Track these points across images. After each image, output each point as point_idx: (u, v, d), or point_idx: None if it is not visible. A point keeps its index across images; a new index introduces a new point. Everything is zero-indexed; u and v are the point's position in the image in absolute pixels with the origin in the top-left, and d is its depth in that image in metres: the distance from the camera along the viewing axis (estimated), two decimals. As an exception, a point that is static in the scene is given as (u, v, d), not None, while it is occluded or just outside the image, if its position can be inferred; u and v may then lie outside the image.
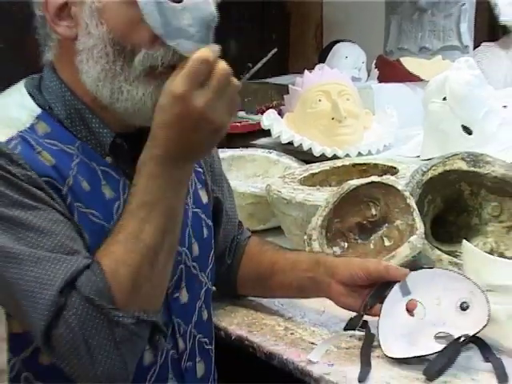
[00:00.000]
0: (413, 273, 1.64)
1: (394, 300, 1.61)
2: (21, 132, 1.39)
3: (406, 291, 1.61)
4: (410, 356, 1.53)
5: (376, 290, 1.64)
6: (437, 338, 1.55)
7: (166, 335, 1.44)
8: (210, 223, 1.74)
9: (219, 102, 1.30)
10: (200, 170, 1.72)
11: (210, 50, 1.32)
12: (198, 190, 1.70)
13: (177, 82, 1.29)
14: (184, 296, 1.60)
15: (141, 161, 1.35)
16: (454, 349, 1.52)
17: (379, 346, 1.57)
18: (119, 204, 1.47)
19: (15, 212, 1.31)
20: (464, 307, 1.57)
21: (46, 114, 1.46)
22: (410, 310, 1.59)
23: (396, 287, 1.62)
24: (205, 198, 1.72)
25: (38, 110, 1.46)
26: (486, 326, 1.53)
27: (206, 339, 1.67)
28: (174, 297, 1.57)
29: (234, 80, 1.35)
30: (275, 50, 3.94)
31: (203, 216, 1.70)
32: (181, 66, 1.30)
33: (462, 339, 1.52)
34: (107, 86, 1.41)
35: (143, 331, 1.34)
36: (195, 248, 1.64)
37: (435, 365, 1.49)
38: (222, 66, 1.32)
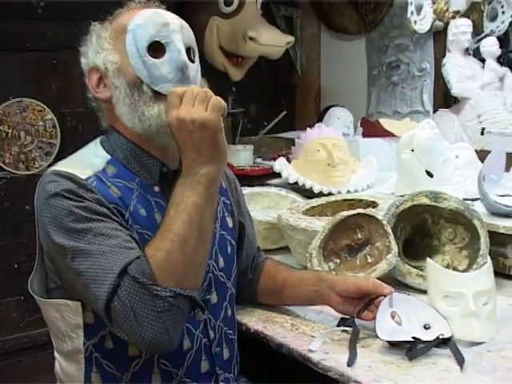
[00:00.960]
0: (396, 293, 1.65)
1: (384, 307, 1.61)
2: (96, 173, 1.45)
3: (390, 304, 1.62)
4: (398, 340, 1.54)
5: (366, 302, 1.65)
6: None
7: (204, 309, 1.42)
8: (234, 243, 1.74)
9: (193, 106, 1.37)
10: (228, 202, 1.75)
11: (179, 87, 1.43)
12: (226, 217, 1.71)
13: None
14: (214, 298, 1.61)
15: None
16: (434, 342, 1.53)
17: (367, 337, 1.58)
18: None
19: (85, 224, 1.35)
20: (426, 327, 1.57)
21: (113, 159, 1.52)
22: (392, 317, 1.58)
23: (386, 299, 1.62)
24: (230, 224, 1.73)
25: (108, 157, 1.52)
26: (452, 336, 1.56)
27: (230, 331, 1.67)
28: (206, 298, 1.58)
29: (202, 89, 1.41)
30: (284, 112, 3.99)
31: (228, 237, 1.70)
32: None
33: (444, 337, 1.54)
34: (135, 115, 1.49)
35: (182, 304, 1.34)
36: (221, 261, 1.65)
37: (418, 351, 1.51)
38: (190, 88, 1.41)
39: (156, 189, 1.53)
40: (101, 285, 1.30)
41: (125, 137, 1.54)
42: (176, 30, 1.52)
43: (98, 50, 1.52)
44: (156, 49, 1.49)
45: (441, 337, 1.54)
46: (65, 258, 1.36)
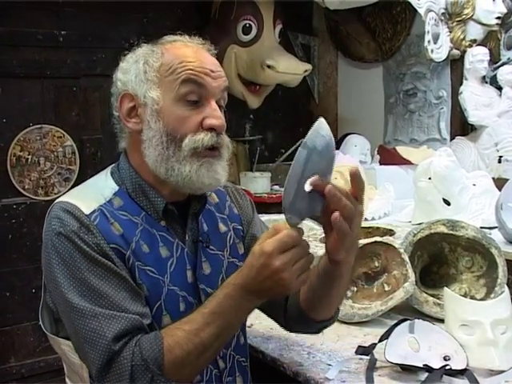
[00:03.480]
0: (420, 320, 1.65)
1: (401, 331, 1.61)
2: (101, 206, 1.43)
3: (411, 330, 1.61)
4: (405, 363, 1.54)
5: (388, 330, 1.64)
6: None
7: None
8: None
9: (293, 267, 1.26)
10: (240, 227, 1.69)
11: (299, 231, 1.28)
12: (236, 244, 1.66)
13: (269, 242, 1.26)
14: None
15: (227, 281, 1.34)
16: (441, 372, 1.52)
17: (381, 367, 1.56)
18: (172, 261, 1.47)
19: (83, 274, 1.34)
20: (446, 359, 1.57)
21: (121, 191, 1.49)
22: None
23: (406, 323, 1.62)
24: (241, 250, 1.67)
25: (116, 188, 1.49)
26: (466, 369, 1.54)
27: (243, 359, 1.62)
28: None
29: (310, 255, 1.30)
30: (302, 140, 3.95)
31: (240, 264, 1.62)
32: (277, 229, 1.28)
33: (451, 368, 1.54)
34: (163, 165, 1.44)
35: None
36: None
37: (427, 379, 1.50)
38: (304, 243, 1.28)
39: (162, 223, 1.49)
40: (94, 348, 1.31)
41: (135, 170, 1.51)
42: None
43: (142, 79, 1.47)
44: None
45: (453, 367, 1.53)
46: (62, 300, 1.37)
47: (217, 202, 1.66)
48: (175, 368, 1.30)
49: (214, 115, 1.45)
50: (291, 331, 1.71)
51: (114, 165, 1.57)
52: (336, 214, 1.29)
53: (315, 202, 1.30)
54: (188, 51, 1.49)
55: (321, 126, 1.29)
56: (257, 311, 1.64)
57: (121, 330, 1.30)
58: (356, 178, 1.38)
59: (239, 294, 1.31)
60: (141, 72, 1.48)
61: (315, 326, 1.63)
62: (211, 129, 1.44)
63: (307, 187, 1.27)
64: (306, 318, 1.60)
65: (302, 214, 1.31)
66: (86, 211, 1.40)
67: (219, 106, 1.50)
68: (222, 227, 1.63)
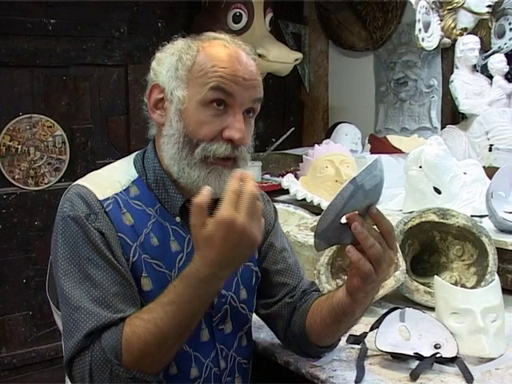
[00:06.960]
0: (411, 309, 1.66)
1: (392, 320, 1.62)
2: (116, 194, 1.44)
3: (402, 318, 1.61)
4: (396, 352, 1.56)
5: (379, 319, 1.65)
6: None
7: None
8: (259, 274, 1.66)
9: (252, 221, 1.21)
10: None
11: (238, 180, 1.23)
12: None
13: (220, 209, 1.20)
14: (228, 328, 1.56)
15: (186, 270, 1.28)
16: (431, 360, 1.53)
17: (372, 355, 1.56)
18: (182, 256, 1.47)
19: (83, 261, 1.34)
20: (437, 347, 1.58)
21: (139, 180, 1.49)
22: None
23: (397, 313, 1.63)
24: (256, 255, 1.65)
25: (136, 176, 1.50)
26: (457, 356, 1.55)
27: (244, 360, 1.62)
28: (219, 328, 1.54)
29: (258, 203, 1.24)
30: (293, 128, 3.98)
31: (255, 268, 1.64)
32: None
33: (441, 356, 1.55)
34: (176, 165, 1.44)
35: None
36: (243, 293, 1.59)
37: (419, 368, 1.51)
38: (249, 186, 1.22)
39: (177, 219, 1.48)
40: (69, 338, 1.31)
41: (159, 161, 1.50)
42: None
43: (172, 75, 1.46)
44: None
45: (444, 355, 1.54)
46: (58, 283, 1.37)
47: None
48: (133, 358, 1.28)
49: (236, 127, 1.42)
50: (288, 348, 1.69)
51: (139, 151, 1.57)
52: (349, 247, 1.30)
53: (345, 235, 1.29)
54: (224, 54, 1.45)
55: (375, 166, 1.27)
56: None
57: (96, 327, 1.29)
58: (379, 219, 1.35)
59: (200, 285, 1.26)
60: (173, 67, 1.47)
61: (315, 350, 1.62)
62: (230, 140, 1.42)
63: (343, 220, 1.26)
64: (307, 340, 1.59)
65: (330, 242, 1.32)
66: (100, 197, 1.41)
67: (248, 113, 1.48)
68: None
